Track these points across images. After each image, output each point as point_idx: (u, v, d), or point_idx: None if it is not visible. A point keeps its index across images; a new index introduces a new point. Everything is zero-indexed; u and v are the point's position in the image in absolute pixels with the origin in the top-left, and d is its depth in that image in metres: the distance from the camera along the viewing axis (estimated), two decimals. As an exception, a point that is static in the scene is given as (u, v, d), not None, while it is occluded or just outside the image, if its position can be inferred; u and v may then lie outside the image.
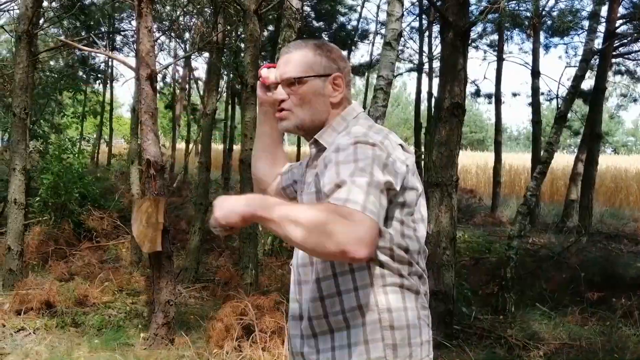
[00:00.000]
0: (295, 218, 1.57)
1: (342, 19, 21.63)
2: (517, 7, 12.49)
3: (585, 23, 14.63)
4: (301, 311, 1.90)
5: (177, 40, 19.24)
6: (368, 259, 1.60)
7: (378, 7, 22.76)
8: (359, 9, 21.71)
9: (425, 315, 1.89)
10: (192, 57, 20.48)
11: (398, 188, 1.73)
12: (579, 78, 7.80)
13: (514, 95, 21.46)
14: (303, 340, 1.89)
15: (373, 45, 20.41)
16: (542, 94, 17.81)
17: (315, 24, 20.85)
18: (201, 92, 20.65)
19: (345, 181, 1.61)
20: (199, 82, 23.65)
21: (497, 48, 18.20)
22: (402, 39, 17.70)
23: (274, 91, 2.05)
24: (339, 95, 1.97)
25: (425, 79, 19.48)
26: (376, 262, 1.77)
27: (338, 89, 1.97)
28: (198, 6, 13.19)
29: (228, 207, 1.68)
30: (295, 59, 1.96)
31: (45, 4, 10.13)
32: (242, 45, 11.12)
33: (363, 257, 1.52)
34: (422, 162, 14.97)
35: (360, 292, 1.79)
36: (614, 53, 15.35)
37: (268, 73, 2.11)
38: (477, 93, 20.13)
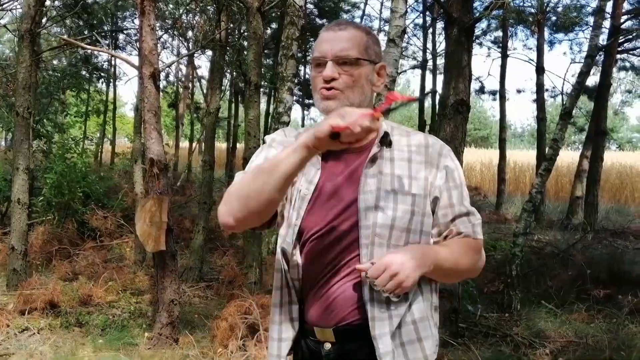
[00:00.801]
0: (460, 263, 1.87)
1: (345, 16, 21.64)
2: (521, 3, 12.45)
3: (590, 19, 14.59)
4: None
5: (180, 38, 19.27)
6: None
7: (381, 4, 22.77)
8: (362, 6, 21.69)
9: None
10: (195, 55, 20.53)
11: None
12: (584, 74, 7.74)
13: (519, 91, 21.30)
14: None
15: (377, 42, 20.37)
16: (547, 90, 17.76)
17: (319, 21, 20.85)
18: (204, 91, 20.68)
19: (473, 213, 1.93)
20: (202, 81, 23.67)
21: (501, 44, 18.16)
22: (405, 35, 17.69)
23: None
24: (381, 85, 1.95)
25: (429, 76, 19.48)
26: None
27: (381, 79, 1.95)
28: (201, 4, 13.19)
29: (411, 270, 1.72)
30: (353, 38, 1.89)
31: (48, 2, 10.13)
32: (245, 43, 11.08)
33: None
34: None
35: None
36: (619, 49, 15.29)
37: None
38: (481, 90, 20.11)
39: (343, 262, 1.87)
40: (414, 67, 22.12)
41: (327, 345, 1.90)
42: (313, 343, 1.94)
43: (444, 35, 7.86)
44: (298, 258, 1.94)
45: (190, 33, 17.27)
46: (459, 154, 6.15)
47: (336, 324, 1.87)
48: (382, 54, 1.97)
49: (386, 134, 1.93)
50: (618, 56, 16.29)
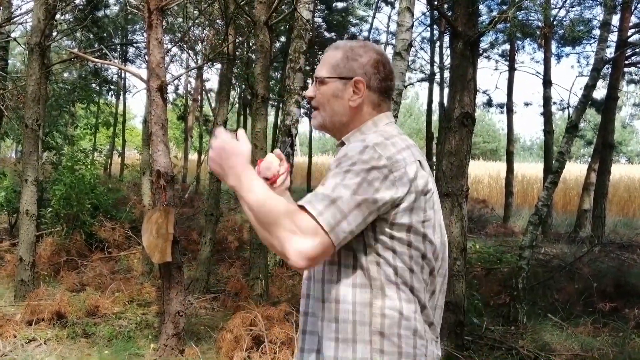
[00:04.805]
0: (251, 203, 1.72)
1: (353, 29, 21.74)
2: (526, 17, 12.47)
3: (597, 32, 14.60)
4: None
5: (189, 51, 19.37)
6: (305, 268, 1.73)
7: (389, 17, 22.81)
8: (370, 19, 21.72)
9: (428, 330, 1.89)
10: (204, 68, 20.62)
11: (397, 205, 1.76)
12: (590, 87, 7.77)
13: (526, 104, 21.53)
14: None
15: (384, 55, 20.44)
16: (554, 103, 17.77)
17: (327, 34, 20.94)
18: (213, 103, 20.78)
19: (326, 190, 1.70)
20: (211, 93, 23.78)
21: (508, 58, 18.19)
22: (413, 49, 17.69)
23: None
24: (358, 99, 1.96)
25: (436, 89, 19.53)
26: (375, 273, 1.80)
27: (358, 93, 1.96)
28: (210, 18, 13.28)
29: (219, 159, 1.82)
30: (325, 58, 2.00)
31: (58, 16, 10.22)
32: (253, 56, 11.15)
33: (300, 268, 1.68)
34: (434, 173, 14.97)
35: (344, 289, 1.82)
36: (627, 62, 15.28)
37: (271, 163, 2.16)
38: (489, 103, 20.14)
39: None
40: (421, 80, 22.21)
41: None
42: None
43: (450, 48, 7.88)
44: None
45: (198, 46, 17.37)
46: (464, 167, 6.17)
47: None
48: (365, 69, 1.96)
49: (341, 143, 2.00)
50: (626, 69, 16.28)
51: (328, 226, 1.65)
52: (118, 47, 19.28)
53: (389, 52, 20.45)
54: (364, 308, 1.79)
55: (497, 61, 19.36)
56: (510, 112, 18.18)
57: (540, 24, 14.63)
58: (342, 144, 1.98)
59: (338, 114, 1.98)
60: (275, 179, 2.10)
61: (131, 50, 20.61)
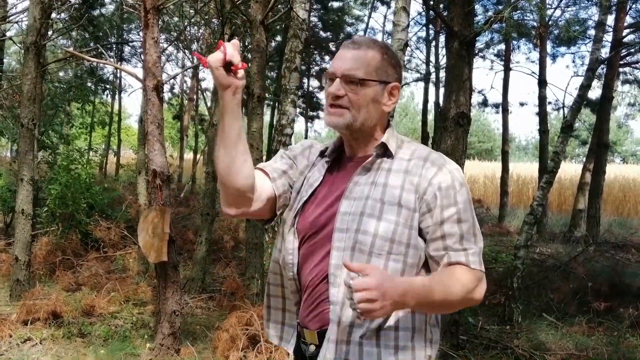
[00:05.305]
0: (451, 297, 1.80)
1: (349, 29, 21.75)
2: (522, 17, 12.50)
3: (592, 32, 14.63)
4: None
5: (185, 51, 19.36)
6: None
7: (385, 17, 22.83)
8: (365, 19, 21.74)
9: None
10: (200, 67, 20.58)
11: None
12: (584, 87, 7.78)
13: (522, 104, 21.57)
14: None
15: (380, 55, 20.45)
16: (550, 103, 17.78)
17: (323, 34, 20.94)
18: (209, 103, 20.78)
19: (470, 241, 1.86)
20: (207, 93, 23.75)
21: (504, 58, 18.21)
22: (409, 48, 17.73)
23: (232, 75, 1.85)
24: (392, 105, 1.96)
25: (432, 89, 19.60)
26: None
27: (392, 99, 1.95)
28: (205, 17, 13.27)
29: (387, 304, 1.64)
30: (364, 58, 1.89)
31: (53, 15, 10.19)
32: (249, 55, 11.15)
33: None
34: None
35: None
36: (622, 62, 15.31)
37: (234, 51, 1.83)
38: (484, 103, 20.15)
39: (328, 265, 1.89)
40: (417, 80, 22.22)
41: (312, 347, 1.94)
42: (302, 344, 2.00)
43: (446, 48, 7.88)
44: (295, 259, 1.99)
45: (194, 45, 17.36)
46: (459, 167, 6.17)
47: (320, 327, 1.91)
48: (398, 74, 1.97)
49: (382, 145, 1.93)
50: (621, 69, 16.31)
51: (482, 267, 1.90)
52: (114, 46, 19.24)
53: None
54: (421, 315, 1.90)
55: (492, 61, 19.40)
56: (505, 111, 18.21)
57: (535, 24, 14.66)
58: (383, 145, 1.94)
59: (371, 118, 1.93)
60: (237, 68, 1.84)
61: (127, 49, 20.58)
